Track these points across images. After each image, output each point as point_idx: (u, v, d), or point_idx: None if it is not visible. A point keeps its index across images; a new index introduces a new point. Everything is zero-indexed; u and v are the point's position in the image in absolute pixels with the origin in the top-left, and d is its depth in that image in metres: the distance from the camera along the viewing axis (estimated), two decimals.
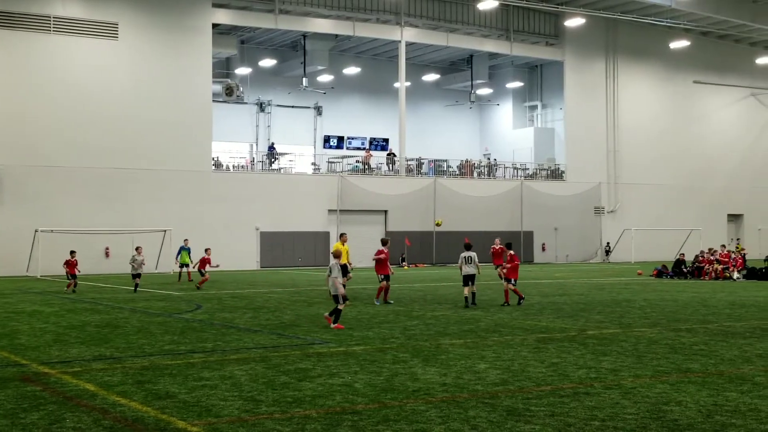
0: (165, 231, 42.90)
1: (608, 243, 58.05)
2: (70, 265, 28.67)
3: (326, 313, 16.91)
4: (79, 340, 14.73)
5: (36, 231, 40.35)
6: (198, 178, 45.94)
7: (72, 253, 29.57)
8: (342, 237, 24.36)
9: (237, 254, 45.46)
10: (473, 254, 20.52)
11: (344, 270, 23.82)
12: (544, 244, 56.94)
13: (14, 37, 42.09)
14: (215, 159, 48.60)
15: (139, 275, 27.84)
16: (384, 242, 22.82)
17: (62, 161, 42.74)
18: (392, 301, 22.35)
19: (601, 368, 11.35)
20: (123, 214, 43.63)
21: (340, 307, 16.34)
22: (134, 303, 23.07)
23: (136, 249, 29.01)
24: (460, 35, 54.97)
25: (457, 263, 21.65)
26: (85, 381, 10.51)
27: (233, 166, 50.63)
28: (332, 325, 16.12)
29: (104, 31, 44.06)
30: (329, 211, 49.84)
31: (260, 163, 52.05)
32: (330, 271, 16.73)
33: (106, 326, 16.89)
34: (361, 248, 42.53)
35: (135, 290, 27.49)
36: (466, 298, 20.85)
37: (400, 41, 52.60)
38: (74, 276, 28.56)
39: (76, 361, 12.28)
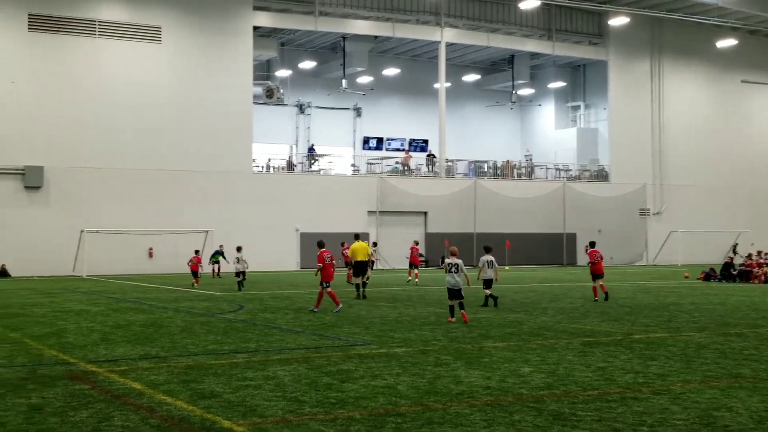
0: (207, 232, 43.25)
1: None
2: (194, 263, 31.31)
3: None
4: (125, 339, 14.88)
5: (81, 231, 40.91)
6: (239, 180, 46.26)
7: (196, 252, 32.24)
8: (358, 237, 26.49)
9: (277, 255, 45.73)
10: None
11: (364, 268, 25.14)
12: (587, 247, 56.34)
13: (61, 41, 42.74)
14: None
15: (242, 273, 29.37)
16: (321, 244, 20.66)
17: (106, 163, 43.30)
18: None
19: (648, 373, 11.18)
20: (165, 215, 44.08)
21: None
22: (178, 303, 23.27)
23: (238, 249, 30.65)
24: (501, 35, 54.70)
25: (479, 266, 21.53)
26: (132, 380, 10.61)
27: (273, 168, 50.89)
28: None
29: (148, 35, 44.56)
30: (369, 212, 49.89)
31: (300, 165, 52.27)
32: (456, 268, 17.52)
33: (151, 326, 17.05)
34: (403, 249, 42.48)
35: (240, 288, 28.55)
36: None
37: (440, 42, 52.49)
38: (196, 273, 31.40)
39: (123, 359, 12.40)
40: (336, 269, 21.41)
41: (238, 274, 29.40)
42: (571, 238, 55.69)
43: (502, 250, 50.58)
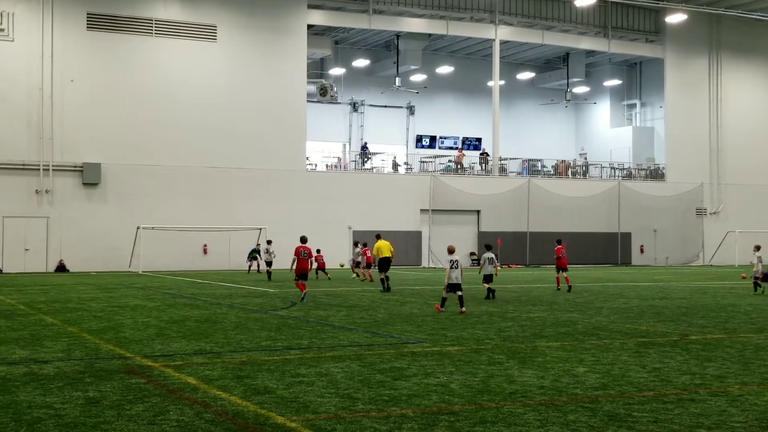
0: (260, 229, 43.62)
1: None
2: (318, 260, 32.83)
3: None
4: (180, 334, 15.07)
5: (138, 228, 41.54)
6: (293, 177, 46.57)
7: (318, 250, 32.94)
8: (380, 237, 28.91)
9: (330, 252, 45.83)
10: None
11: (388, 264, 27.36)
12: (642, 246, 55.69)
13: (118, 39, 43.46)
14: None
15: (269, 264, 34.05)
16: (302, 240, 23.19)
17: (162, 160, 43.92)
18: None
19: (705, 374, 10.98)
20: (220, 212, 44.59)
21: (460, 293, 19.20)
22: (232, 299, 23.50)
23: (268, 242, 35.49)
24: (555, 33, 54.21)
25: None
26: (187, 375, 10.73)
27: (327, 166, 51.12)
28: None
29: (203, 34, 45.10)
30: (421, 210, 49.85)
31: (353, 163, 52.42)
32: (456, 264, 19.28)
33: (205, 321, 17.24)
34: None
35: (317, 275, 32.84)
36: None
37: (494, 40, 52.20)
38: (323, 269, 34.39)
39: (178, 354, 12.55)
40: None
41: (268, 264, 34.45)
42: (626, 237, 55.02)
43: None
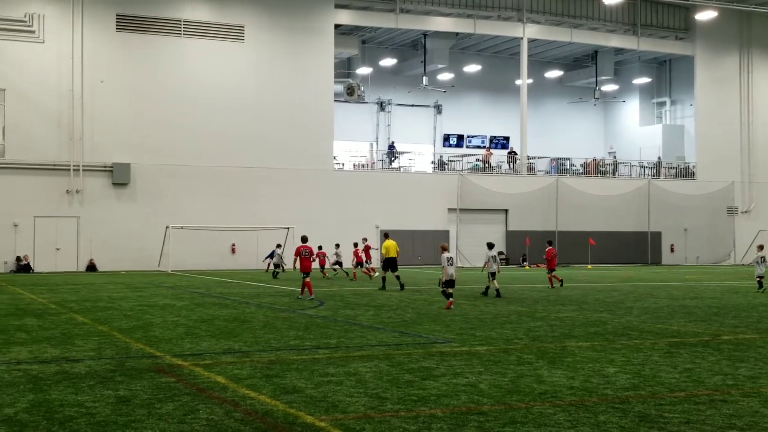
0: (288, 228, 43.75)
1: None
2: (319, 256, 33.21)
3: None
4: (209, 333, 15.13)
5: (167, 227, 41.82)
6: (320, 177, 46.67)
7: (319, 247, 34.00)
8: (387, 236, 29.50)
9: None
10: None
11: (394, 263, 27.86)
12: (672, 245, 55.24)
13: (146, 40, 43.79)
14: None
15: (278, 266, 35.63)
16: (303, 239, 24.01)
17: (190, 160, 44.20)
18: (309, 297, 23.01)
19: (738, 375, 10.84)
20: (247, 212, 44.78)
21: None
22: (260, 299, 23.59)
23: (278, 246, 37.30)
24: (584, 31, 53.90)
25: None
26: (216, 373, 10.77)
27: (354, 165, 51.16)
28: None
29: (231, 34, 45.31)
30: (449, 209, 49.77)
31: (380, 162, 52.42)
32: (451, 261, 20.26)
33: (233, 320, 17.31)
34: (480, 246, 42.20)
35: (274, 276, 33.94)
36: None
37: (521, 38, 51.99)
38: (339, 265, 36.03)
39: (207, 353, 12.60)
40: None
41: (277, 266, 36.22)
42: (656, 236, 54.59)
43: (586, 247, 49.93)
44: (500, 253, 50.93)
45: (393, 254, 28.08)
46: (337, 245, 37.09)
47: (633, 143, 61.25)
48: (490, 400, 9.15)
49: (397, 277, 27.55)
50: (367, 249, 34.75)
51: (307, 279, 23.00)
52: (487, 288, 24.53)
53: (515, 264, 50.35)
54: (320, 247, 33.61)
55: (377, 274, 34.13)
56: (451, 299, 20.08)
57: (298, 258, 23.15)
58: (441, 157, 53.48)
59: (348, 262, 36.93)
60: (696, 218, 55.15)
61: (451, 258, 20.52)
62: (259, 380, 10.27)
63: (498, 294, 23.97)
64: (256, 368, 11.19)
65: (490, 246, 25.21)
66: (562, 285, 28.71)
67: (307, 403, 8.95)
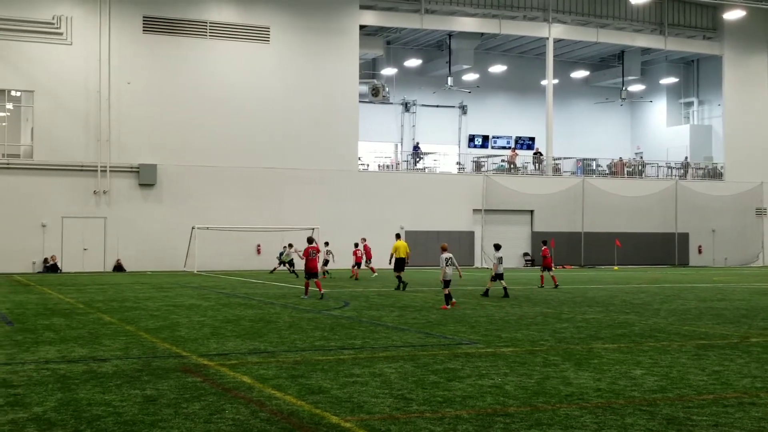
0: (313, 229, 43.80)
1: None
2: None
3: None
4: (234, 333, 15.19)
5: (192, 228, 42.04)
6: (345, 178, 46.72)
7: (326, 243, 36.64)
8: (399, 237, 30.76)
9: (382, 253, 45.78)
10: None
11: (403, 264, 28.60)
12: (700, 247, 54.77)
13: (173, 42, 44.04)
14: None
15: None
16: (309, 240, 24.78)
17: (216, 161, 44.40)
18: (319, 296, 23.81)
19: (767, 377, 10.72)
20: (272, 212, 44.93)
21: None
22: (285, 299, 23.65)
23: (326, 243, 37.60)
24: (610, 30, 53.58)
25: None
26: (242, 374, 10.81)
27: (379, 166, 51.16)
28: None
29: (257, 35, 45.48)
30: (474, 210, 49.65)
31: (405, 163, 52.40)
32: (451, 261, 20.62)
33: (259, 321, 17.36)
34: (509, 249, 42.04)
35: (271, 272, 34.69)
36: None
37: (547, 38, 51.76)
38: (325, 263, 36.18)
39: (233, 354, 12.64)
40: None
41: (281, 264, 38.36)
42: (683, 237, 54.14)
43: (612, 248, 49.62)
44: (525, 254, 50.82)
45: (402, 255, 28.90)
46: (327, 243, 37.61)
47: (660, 144, 60.78)
48: (516, 402, 9.12)
49: (398, 278, 28.14)
50: (362, 249, 36.09)
51: (313, 280, 23.78)
52: (504, 289, 24.53)
53: (539, 265, 50.09)
54: (327, 243, 34.41)
55: (376, 274, 35.73)
56: (452, 300, 20.47)
57: (305, 258, 23.81)
58: (472, 158, 53.33)
59: (348, 262, 37.45)
60: (724, 219, 54.64)
61: (449, 258, 20.70)
62: (284, 380, 10.30)
63: (506, 294, 24.11)
64: (282, 368, 11.21)
65: (497, 247, 25.42)
66: (556, 287, 28.87)
67: (333, 403, 8.96)
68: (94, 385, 9.95)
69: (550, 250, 30.32)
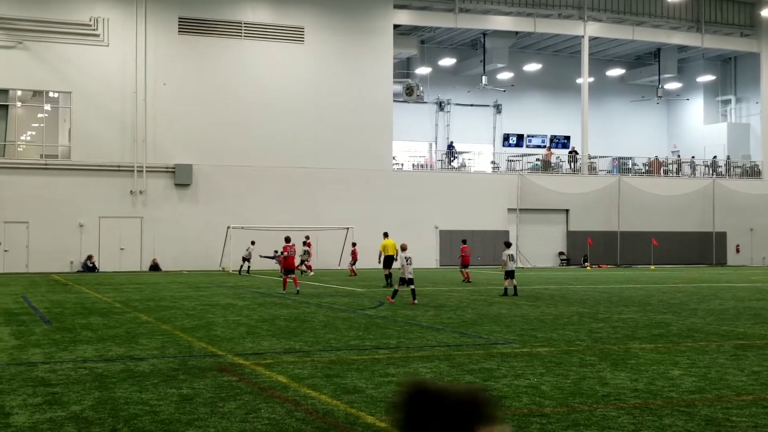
0: (347, 228, 43.91)
1: None
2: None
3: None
4: (270, 332, 15.25)
5: (228, 227, 42.29)
6: (379, 177, 46.73)
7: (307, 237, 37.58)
8: (387, 235, 32.09)
9: (417, 252, 45.64)
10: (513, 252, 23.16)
11: (391, 261, 29.67)
12: (738, 246, 54.04)
13: (208, 42, 44.36)
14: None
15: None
16: (287, 239, 27.20)
17: (251, 161, 44.63)
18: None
19: None
20: (306, 212, 45.04)
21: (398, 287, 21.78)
22: (320, 299, 23.71)
23: (353, 244, 38.73)
24: (646, 28, 53.06)
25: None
26: (277, 373, 10.84)
27: (413, 166, 51.12)
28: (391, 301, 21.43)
29: (291, 35, 45.64)
30: (509, 209, 49.41)
31: (439, 162, 52.29)
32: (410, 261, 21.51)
33: (294, 320, 17.42)
34: (542, 248, 41.92)
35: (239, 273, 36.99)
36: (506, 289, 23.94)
37: (582, 36, 51.37)
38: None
39: (268, 353, 12.70)
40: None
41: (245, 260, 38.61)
42: (721, 236, 53.47)
43: (649, 248, 49.14)
44: (561, 253, 50.49)
45: (391, 252, 30.14)
46: (354, 244, 38.19)
47: (697, 142, 60.04)
48: (553, 402, 9.05)
49: (387, 276, 29.30)
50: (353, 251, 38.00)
51: (291, 275, 25.90)
52: (506, 289, 24.46)
53: (576, 264, 49.80)
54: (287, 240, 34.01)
55: (356, 275, 36.99)
56: (414, 300, 21.31)
57: (286, 254, 26.51)
58: (507, 158, 53.12)
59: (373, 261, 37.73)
60: (762, 218, 53.87)
61: (408, 258, 21.63)
62: (319, 380, 10.32)
63: (515, 292, 24.19)
64: (317, 368, 11.23)
65: (508, 245, 25.54)
66: (468, 281, 31.37)
67: (368, 403, 8.96)
68: (131, 384, 10.04)
69: (468, 249, 32.88)
